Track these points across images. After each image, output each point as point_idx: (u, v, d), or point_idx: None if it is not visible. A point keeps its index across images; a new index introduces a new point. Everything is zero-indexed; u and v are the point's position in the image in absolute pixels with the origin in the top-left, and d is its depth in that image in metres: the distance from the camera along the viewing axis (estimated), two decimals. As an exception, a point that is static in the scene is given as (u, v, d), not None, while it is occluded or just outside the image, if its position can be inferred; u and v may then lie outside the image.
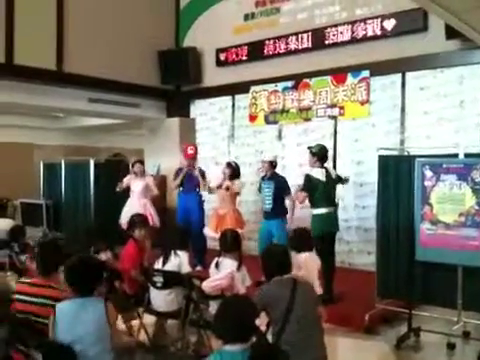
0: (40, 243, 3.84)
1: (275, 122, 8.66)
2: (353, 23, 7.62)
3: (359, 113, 7.65)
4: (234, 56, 9.07)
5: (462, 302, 5.04)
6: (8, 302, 3.43)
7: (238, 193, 7.24)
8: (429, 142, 6.94)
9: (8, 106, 9.25)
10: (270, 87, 8.62)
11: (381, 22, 7.33)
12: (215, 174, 7.48)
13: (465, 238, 4.91)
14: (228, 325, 2.49)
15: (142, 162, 8.17)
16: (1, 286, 3.74)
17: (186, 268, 4.65)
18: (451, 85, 6.91)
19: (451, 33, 6.23)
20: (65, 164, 9.33)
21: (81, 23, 8.44)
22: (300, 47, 8.21)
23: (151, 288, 4.66)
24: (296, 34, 8.24)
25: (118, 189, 7.87)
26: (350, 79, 7.69)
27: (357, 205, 7.70)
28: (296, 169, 8.19)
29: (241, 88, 8.97)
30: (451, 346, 4.89)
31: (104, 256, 5.07)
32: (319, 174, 6.01)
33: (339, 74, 7.80)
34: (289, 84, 8.40)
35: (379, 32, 7.36)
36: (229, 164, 7.28)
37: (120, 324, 4.85)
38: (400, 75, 7.34)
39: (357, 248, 7.73)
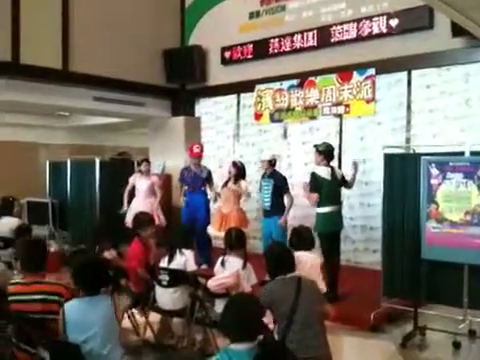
0: (27, 241, 3.85)
1: (280, 120, 8.65)
2: (359, 21, 7.59)
3: (365, 111, 7.63)
4: (239, 54, 9.06)
5: (468, 300, 5.02)
6: (5, 296, 3.45)
7: (248, 194, 7.19)
8: (435, 140, 6.91)
9: (14, 105, 9.29)
10: (275, 85, 8.61)
11: (387, 20, 7.30)
12: (221, 174, 7.51)
13: (471, 236, 4.89)
14: (234, 324, 2.49)
15: (148, 161, 8.18)
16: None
17: (192, 266, 4.66)
18: (457, 83, 6.88)
19: (457, 31, 6.22)
20: (71, 163, 9.37)
21: (86, 22, 8.46)
22: (305, 45, 8.19)
23: (157, 286, 4.67)
24: (301, 32, 8.21)
25: (122, 210, 7.91)
26: (356, 77, 7.67)
27: (362, 203, 7.68)
28: (302, 167, 8.18)
29: (246, 86, 8.96)
30: (457, 345, 4.87)
31: (109, 254, 5.09)
32: (325, 172, 6.00)
33: (344, 72, 7.78)
34: (294, 82, 8.39)
35: (385, 30, 7.33)
36: (235, 163, 7.25)
37: (126, 322, 4.89)
38: (406, 73, 7.32)
39: (363, 246, 7.71)
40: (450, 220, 5.02)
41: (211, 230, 7.26)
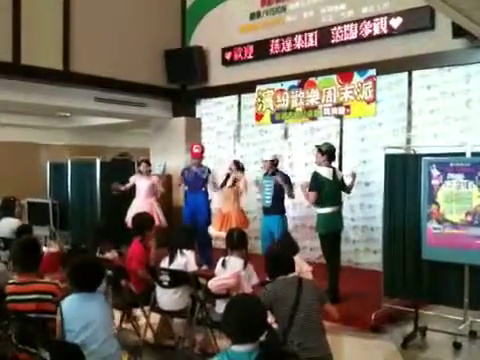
0: (20, 241, 3.86)
1: (281, 121, 8.65)
2: (359, 21, 7.59)
3: (365, 112, 7.63)
4: (240, 55, 9.06)
5: (469, 301, 5.01)
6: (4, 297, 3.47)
7: (244, 188, 7.23)
8: (436, 141, 6.91)
9: (15, 105, 9.30)
10: (276, 86, 8.61)
11: (387, 20, 7.29)
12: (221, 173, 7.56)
13: (472, 237, 4.89)
14: (235, 325, 2.47)
15: (148, 162, 8.19)
16: None
17: (192, 267, 4.66)
18: (458, 83, 6.88)
19: (458, 31, 6.22)
20: (71, 163, 9.36)
21: (87, 23, 8.47)
22: (306, 46, 8.19)
23: (157, 287, 4.67)
24: (302, 33, 8.21)
25: (123, 189, 7.94)
26: (356, 78, 7.67)
27: (363, 204, 7.68)
28: (302, 168, 8.19)
29: (247, 87, 8.96)
30: (457, 345, 4.87)
31: (110, 255, 5.10)
32: (327, 173, 6.00)
33: (345, 73, 7.78)
34: (295, 83, 8.39)
35: (385, 30, 7.33)
36: (235, 161, 7.40)
37: (126, 323, 4.90)
38: (406, 74, 7.32)
39: (363, 247, 7.72)
40: (451, 221, 5.01)
41: (212, 230, 7.27)
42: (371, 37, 7.50)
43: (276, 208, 6.70)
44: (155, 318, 4.84)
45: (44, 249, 5.09)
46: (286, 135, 8.74)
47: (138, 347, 4.27)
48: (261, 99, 8.83)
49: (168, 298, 4.61)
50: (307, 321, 3.30)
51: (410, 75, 7.30)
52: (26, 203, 9.23)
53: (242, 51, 9.02)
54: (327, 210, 5.96)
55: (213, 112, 9.82)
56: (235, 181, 7.19)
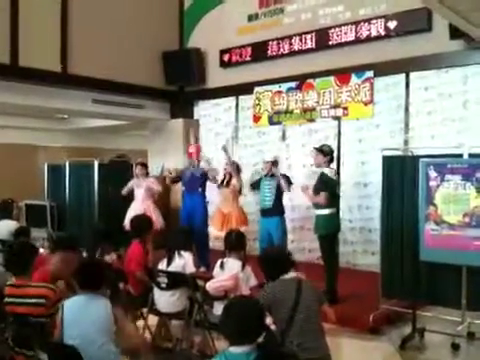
0: (15, 244, 3.87)
1: (279, 123, 8.65)
2: (357, 23, 7.60)
3: (363, 113, 7.64)
4: (238, 57, 9.06)
5: (467, 302, 5.02)
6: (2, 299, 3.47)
7: (240, 190, 7.23)
8: (433, 142, 6.92)
9: (13, 107, 9.28)
10: (274, 88, 8.62)
11: (385, 22, 7.30)
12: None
13: (470, 238, 4.90)
14: (233, 327, 2.47)
15: (144, 164, 8.17)
16: None
17: (190, 269, 4.66)
18: (455, 85, 6.89)
19: (455, 33, 6.23)
20: (69, 165, 9.36)
21: (85, 24, 8.46)
22: (304, 48, 8.20)
23: (155, 289, 4.67)
24: (300, 35, 8.22)
25: (124, 193, 7.98)
26: (354, 79, 7.67)
27: (361, 206, 7.68)
28: (301, 169, 8.19)
29: (245, 89, 8.97)
30: (456, 346, 4.87)
31: (109, 258, 5.08)
32: (331, 173, 6.01)
33: (343, 74, 7.79)
34: (293, 85, 8.39)
35: (383, 32, 7.34)
36: (233, 162, 7.34)
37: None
38: (404, 75, 7.32)
39: (361, 248, 7.71)
40: (448, 222, 5.02)
41: (212, 230, 7.27)
42: (369, 39, 7.51)
43: (276, 209, 6.69)
44: (153, 320, 4.83)
45: (41, 251, 5.07)
46: (284, 137, 8.73)
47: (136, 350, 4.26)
48: (259, 101, 8.83)
49: (166, 300, 4.61)
50: (307, 322, 3.30)
51: (407, 77, 7.31)
52: (24, 205, 9.22)
53: (240, 53, 9.03)
54: (329, 211, 5.94)
55: (211, 114, 9.82)
56: (229, 178, 7.18)
